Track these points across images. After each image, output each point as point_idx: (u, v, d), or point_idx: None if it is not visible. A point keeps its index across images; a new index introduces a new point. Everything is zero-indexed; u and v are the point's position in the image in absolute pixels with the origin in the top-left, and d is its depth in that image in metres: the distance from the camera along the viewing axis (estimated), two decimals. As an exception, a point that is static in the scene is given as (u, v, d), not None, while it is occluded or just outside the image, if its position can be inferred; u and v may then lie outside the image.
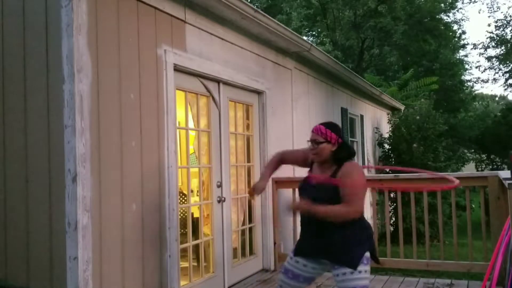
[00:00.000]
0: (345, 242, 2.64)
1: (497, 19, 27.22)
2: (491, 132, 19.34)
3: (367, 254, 2.69)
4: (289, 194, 5.35)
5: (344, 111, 8.48)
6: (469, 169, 19.58)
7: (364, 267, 2.65)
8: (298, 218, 2.94)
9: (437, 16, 23.88)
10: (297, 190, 3.00)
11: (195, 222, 4.48)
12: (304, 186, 2.82)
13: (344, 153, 2.73)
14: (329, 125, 2.78)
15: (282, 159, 3.13)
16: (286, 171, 5.09)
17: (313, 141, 2.75)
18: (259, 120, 5.34)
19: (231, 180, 4.77)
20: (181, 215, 4.57)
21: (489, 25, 52.52)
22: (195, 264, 4.29)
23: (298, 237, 2.93)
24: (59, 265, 2.93)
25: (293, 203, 2.73)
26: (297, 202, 2.75)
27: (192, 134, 4.54)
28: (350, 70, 8.55)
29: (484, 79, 45.36)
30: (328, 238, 2.67)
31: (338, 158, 2.71)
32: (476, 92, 31.37)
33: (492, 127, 19.86)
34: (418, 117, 10.36)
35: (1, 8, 3.31)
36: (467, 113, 24.86)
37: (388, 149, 10.84)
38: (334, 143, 2.71)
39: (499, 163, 19.26)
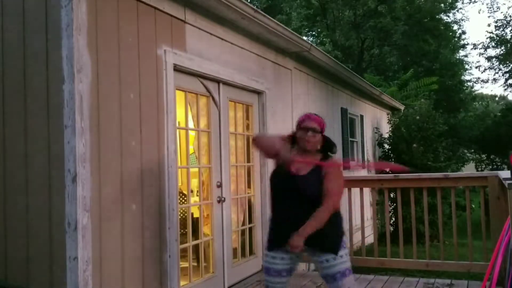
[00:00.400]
0: (325, 228, 2.64)
1: (497, 19, 27.19)
2: (491, 132, 19.32)
3: (344, 238, 2.78)
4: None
5: (344, 111, 8.48)
6: (469, 169, 19.57)
7: (344, 251, 2.73)
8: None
9: (437, 16, 23.87)
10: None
11: (195, 222, 4.48)
12: (284, 177, 2.73)
13: (332, 146, 2.82)
14: (320, 117, 2.86)
15: (257, 143, 2.99)
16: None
17: (312, 129, 2.75)
18: (259, 120, 5.34)
19: (231, 180, 4.77)
20: (181, 215, 4.57)
21: (489, 25, 52.48)
22: (195, 264, 4.29)
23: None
24: (59, 265, 2.93)
25: (290, 248, 2.65)
26: (292, 244, 2.60)
27: (192, 134, 4.54)
28: (350, 70, 8.55)
29: (484, 79, 45.37)
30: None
31: (327, 150, 2.80)
32: (476, 92, 31.36)
33: (492, 127, 19.84)
34: (418, 117, 10.36)
35: (1, 8, 3.31)
36: (467, 113, 24.84)
37: (388, 149, 10.84)
38: (323, 136, 2.82)
39: (499, 163, 19.26)
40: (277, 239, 2.76)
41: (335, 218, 2.73)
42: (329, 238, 2.69)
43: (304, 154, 2.77)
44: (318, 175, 2.67)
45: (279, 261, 2.77)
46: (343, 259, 2.70)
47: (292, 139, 2.86)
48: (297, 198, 2.67)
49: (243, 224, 5.05)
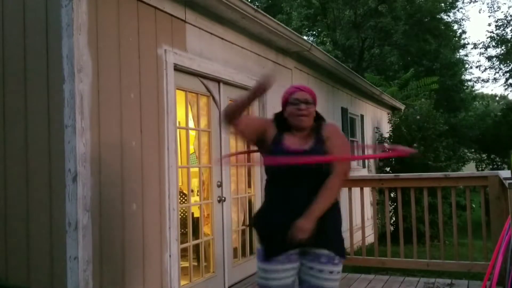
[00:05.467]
0: (328, 224, 2.22)
1: (498, 19, 27.21)
2: (491, 132, 19.32)
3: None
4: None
5: (344, 111, 8.47)
6: (469, 169, 19.55)
7: (340, 267, 2.29)
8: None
9: (437, 16, 23.85)
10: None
11: (196, 222, 4.48)
12: (288, 158, 2.25)
13: (322, 117, 2.43)
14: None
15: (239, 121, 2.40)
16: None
17: (305, 101, 2.33)
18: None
19: (231, 180, 4.77)
20: (182, 215, 4.57)
21: (489, 24, 52.48)
22: (196, 264, 4.29)
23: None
24: (59, 265, 2.93)
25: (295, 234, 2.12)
26: (300, 227, 2.11)
27: (192, 134, 4.54)
28: (351, 70, 8.55)
29: (484, 79, 45.28)
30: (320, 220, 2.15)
31: (318, 119, 2.38)
32: (477, 91, 31.35)
33: (492, 127, 19.83)
34: (418, 117, 10.36)
35: (1, 8, 3.31)
36: (468, 113, 24.81)
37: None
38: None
39: (499, 163, 19.24)
40: (278, 241, 2.20)
41: (337, 214, 2.30)
42: (333, 236, 2.27)
43: (299, 133, 2.33)
44: (322, 147, 2.25)
45: (284, 274, 2.22)
46: (336, 276, 2.26)
47: (278, 120, 2.46)
48: (309, 180, 2.19)
49: (244, 223, 5.05)
